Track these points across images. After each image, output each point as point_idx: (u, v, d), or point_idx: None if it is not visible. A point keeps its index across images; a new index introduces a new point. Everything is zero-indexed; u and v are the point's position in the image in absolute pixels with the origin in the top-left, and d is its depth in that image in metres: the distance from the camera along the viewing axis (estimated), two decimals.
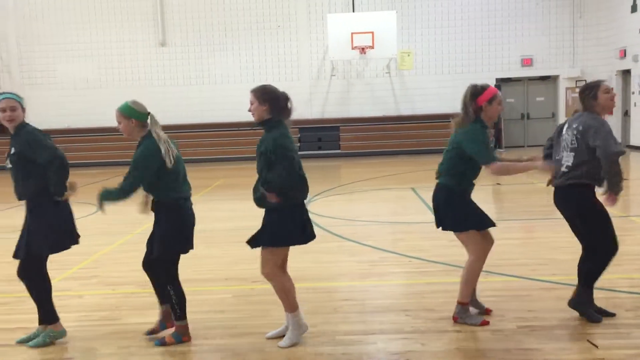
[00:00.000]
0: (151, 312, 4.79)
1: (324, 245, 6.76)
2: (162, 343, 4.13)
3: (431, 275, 5.56)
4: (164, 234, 4.02)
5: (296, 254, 6.30)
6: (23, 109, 4.11)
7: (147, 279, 4.27)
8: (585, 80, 19.07)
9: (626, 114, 18.04)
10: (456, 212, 4.19)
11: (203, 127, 19.61)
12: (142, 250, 4.21)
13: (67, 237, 4.20)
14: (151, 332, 4.31)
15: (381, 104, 19.31)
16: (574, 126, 4.19)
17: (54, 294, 4.24)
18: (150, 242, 4.15)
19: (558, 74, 19.31)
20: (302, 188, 3.97)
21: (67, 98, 19.62)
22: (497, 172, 4.15)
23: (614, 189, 4.00)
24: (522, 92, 19.74)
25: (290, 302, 4.04)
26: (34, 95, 18.54)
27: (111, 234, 7.89)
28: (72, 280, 5.82)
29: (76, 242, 4.29)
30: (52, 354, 4.08)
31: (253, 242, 4.06)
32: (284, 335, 4.10)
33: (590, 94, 4.18)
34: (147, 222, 4.22)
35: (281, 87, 4.06)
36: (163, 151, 3.90)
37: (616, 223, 7.49)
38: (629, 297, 4.73)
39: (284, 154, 3.78)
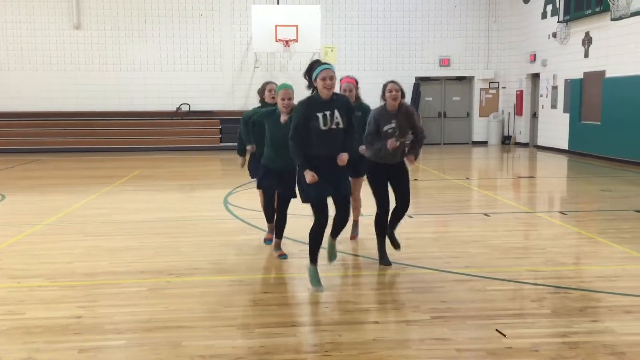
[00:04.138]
0: (58, 305, 4.58)
1: (244, 237, 6.72)
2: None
3: (348, 268, 5.64)
4: None
5: (215, 246, 6.23)
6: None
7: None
8: (498, 82, 20.04)
9: (534, 115, 19.03)
10: None
11: (120, 115, 18.90)
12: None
13: None
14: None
15: (304, 97, 19.33)
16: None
17: None
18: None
19: (473, 75, 20.09)
20: None
21: None
22: None
23: None
24: (439, 91, 20.38)
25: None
26: None
27: (17, 224, 7.44)
28: None
29: None
30: None
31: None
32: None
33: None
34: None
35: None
36: None
37: (523, 218, 7.97)
38: (534, 288, 4.99)
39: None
